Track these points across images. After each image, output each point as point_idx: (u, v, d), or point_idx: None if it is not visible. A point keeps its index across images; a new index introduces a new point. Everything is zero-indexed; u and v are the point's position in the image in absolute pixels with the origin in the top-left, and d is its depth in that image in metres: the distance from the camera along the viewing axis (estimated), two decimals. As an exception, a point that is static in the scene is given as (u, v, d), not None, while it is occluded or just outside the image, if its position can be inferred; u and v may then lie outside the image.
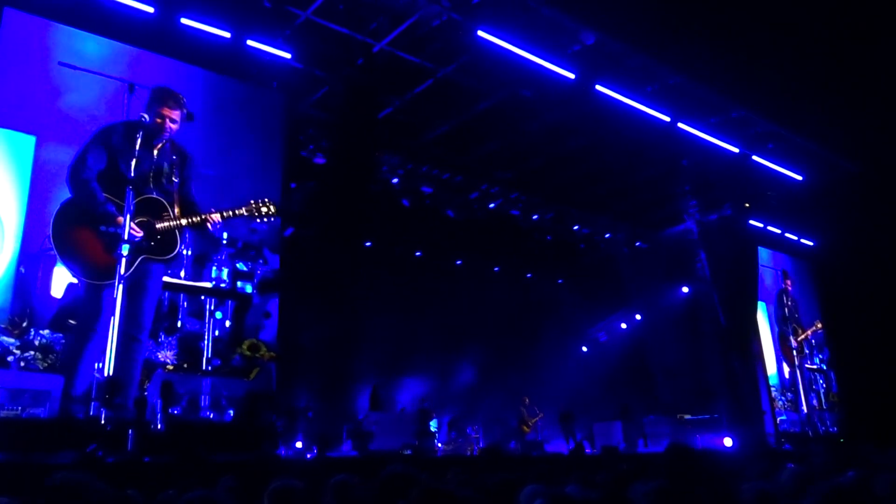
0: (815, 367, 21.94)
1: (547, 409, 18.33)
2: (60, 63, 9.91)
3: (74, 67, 9.95)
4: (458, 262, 20.68)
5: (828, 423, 21.08)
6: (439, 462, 11.80)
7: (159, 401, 9.18)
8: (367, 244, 17.83)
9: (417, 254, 19.73)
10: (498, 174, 17.89)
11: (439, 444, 15.37)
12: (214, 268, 11.04)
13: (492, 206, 18.72)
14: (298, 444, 12.25)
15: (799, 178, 17.80)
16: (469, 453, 14.61)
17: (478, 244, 19.63)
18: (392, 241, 18.50)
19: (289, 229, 14.23)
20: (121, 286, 8.89)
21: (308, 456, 11.56)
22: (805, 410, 20.56)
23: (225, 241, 11.30)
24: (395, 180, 16.79)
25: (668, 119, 14.47)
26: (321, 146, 15.01)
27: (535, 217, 19.58)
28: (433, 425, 15.81)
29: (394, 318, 17.40)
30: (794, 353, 21.03)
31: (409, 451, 12.76)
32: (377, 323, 17.10)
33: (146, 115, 7.25)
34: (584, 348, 23.02)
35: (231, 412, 10.61)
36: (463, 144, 16.41)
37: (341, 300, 16.00)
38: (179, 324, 10.52)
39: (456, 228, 18.69)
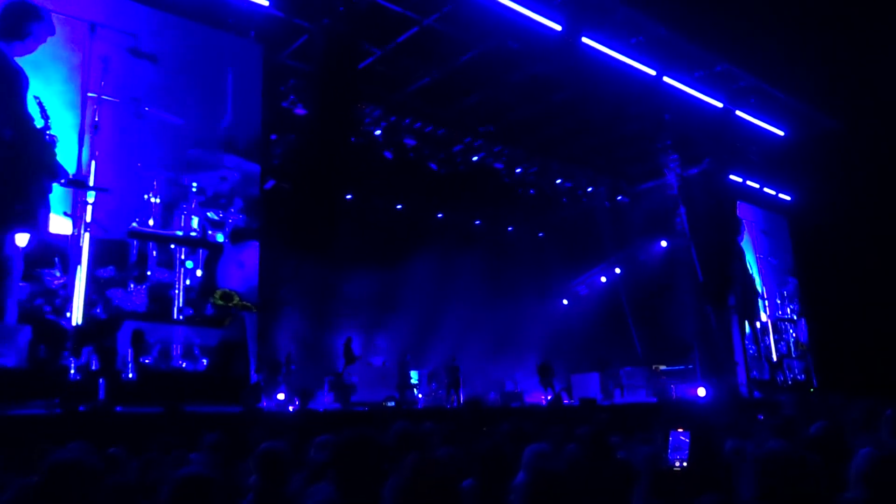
0: (786, 317, 22.44)
1: (526, 361, 18.51)
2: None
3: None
4: (440, 216, 20.57)
5: (795, 370, 21.65)
6: (421, 413, 11.94)
7: (130, 350, 9.27)
8: (349, 197, 17.67)
9: (399, 206, 19.58)
10: (481, 127, 17.67)
11: (420, 396, 15.49)
12: (184, 216, 10.94)
13: (475, 159, 18.54)
14: (280, 397, 12.28)
15: (780, 133, 17.82)
16: (449, 405, 14.74)
17: (460, 197, 19.52)
18: (373, 194, 18.31)
19: (269, 181, 14.00)
20: (87, 234, 8.97)
21: (290, 409, 11.61)
22: (775, 358, 21.11)
23: (194, 190, 11.14)
24: (377, 132, 16.51)
25: (653, 73, 14.32)
26: (302, 97, 14.66)
27: (518, 171, 19.45)
28: (414, 377, 15.91)
29: (375, 270, 17.32)
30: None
31: (391, 404, 12.85)
32: (358, 275, 17.03)
33: None
34: (565, 301, 23.18)
35: (205, 361, 10.71)
36: (446, 97, 16.14)
37: (322, 253, 15.90)
38: (149, 273, 10.47)
39: (438, 181, 18.52)
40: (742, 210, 21.28)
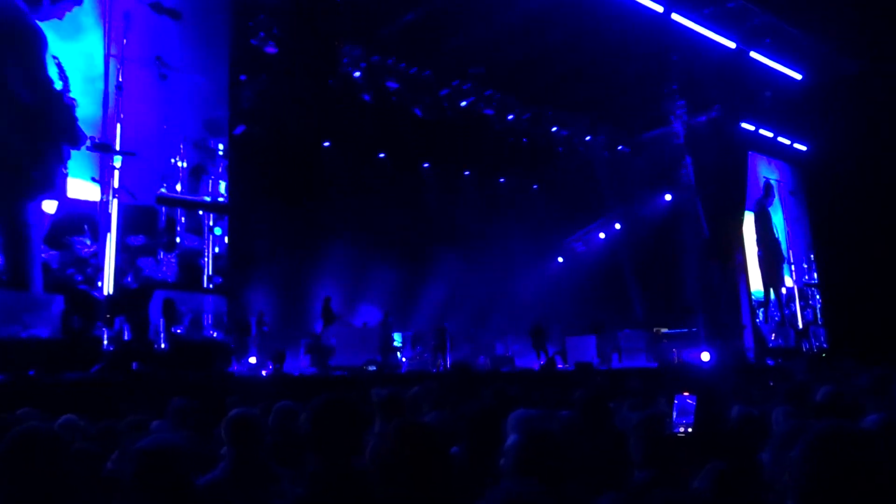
0: (813, 283, 22.53)
1: (518, 322, 18.48)
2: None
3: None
4: (426, 165, 20.31)
5: (821, 337, 21.82)
6: (405, 378, 11.84)
7: (162, 320, 9.77)
8: (326, 144, 17.37)
9: (381, 155, 19.26)
10: (471, 69, 17.29)
11: (404, 359, 15.42)
12: (211, 181, 11.22)
13: (463, 104, 18.26)
14: (252, 360, 12.15)
15: (798, 76, 17.57)
16: (435, 369, 14.67)
17: (447, 146, 19.23)
18: (353, 141, 17.97)
19: (239, 127, 13.69)
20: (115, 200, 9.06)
21: (263, 373, 11.48)
22: (801, 326, 21.27)
23: (221, 153, 11.35)
24: (356, 74, 16.12)
25: (661, 9, 13.98)
26: (273, 34, 14.21)
27: (510, 117, 19.21)
28: (397, 339, 15.83)
29: (355, 224, 17.12)
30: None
31: (372, 368, 12.75)
32: (337, 230, 16.82)
33: None
34: (560, 259, 23.11)
35: (235, 331, 11.24)
36: (433, 35, 15.72)
37: (297, 205, 15.66)
38: (178, 240, 10.81)
39: (424, 128, 18.21)
40: (770, 171, 21.19)
